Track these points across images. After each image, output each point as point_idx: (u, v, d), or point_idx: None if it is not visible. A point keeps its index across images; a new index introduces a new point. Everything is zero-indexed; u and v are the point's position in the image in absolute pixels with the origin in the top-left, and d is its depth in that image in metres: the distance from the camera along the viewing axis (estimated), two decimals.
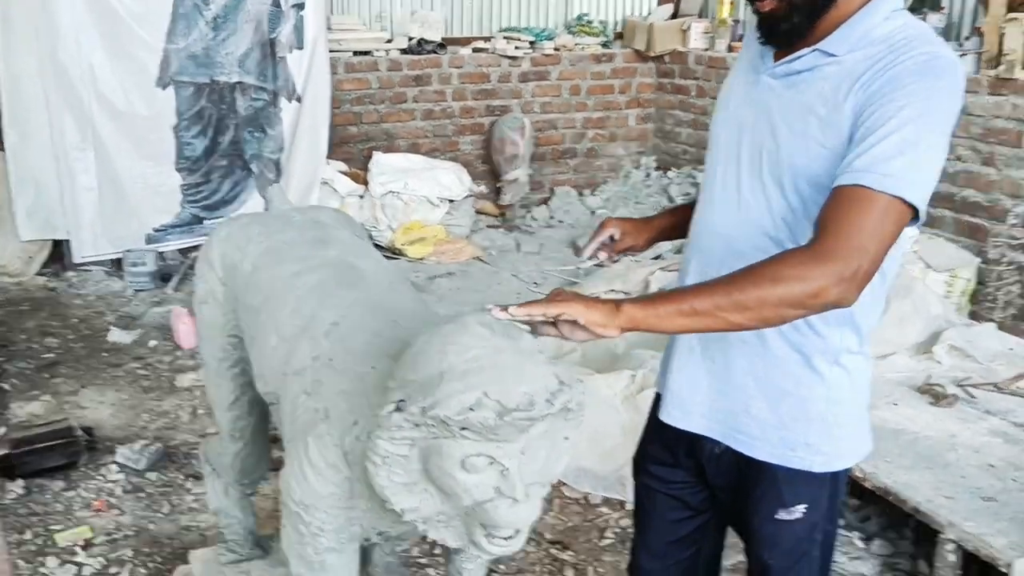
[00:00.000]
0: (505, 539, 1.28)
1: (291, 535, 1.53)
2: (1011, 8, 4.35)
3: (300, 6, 5.58)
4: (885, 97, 1.27)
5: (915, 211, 1.29)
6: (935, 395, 3.28)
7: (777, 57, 1.43)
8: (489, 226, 6.36)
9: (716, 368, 1.54)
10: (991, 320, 4.22)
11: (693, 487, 1.71)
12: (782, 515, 1.57)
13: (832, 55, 1.35)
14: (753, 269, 1.28)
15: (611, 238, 1.69)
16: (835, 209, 1.27)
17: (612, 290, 5.02)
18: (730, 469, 1.60)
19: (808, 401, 1.49)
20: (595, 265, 1.62)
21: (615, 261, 1.67)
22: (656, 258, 5.11)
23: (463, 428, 1.19)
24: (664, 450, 1.70)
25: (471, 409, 1.17)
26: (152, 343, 4.42)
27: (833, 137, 1.33)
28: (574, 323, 1.25)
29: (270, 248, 1.85)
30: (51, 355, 4.26)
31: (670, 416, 1.62)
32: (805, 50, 1.38)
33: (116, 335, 4.45)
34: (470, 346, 1.22)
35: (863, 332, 1.49)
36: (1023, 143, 4.35)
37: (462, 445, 1.21)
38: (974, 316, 4.39)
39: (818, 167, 1.34)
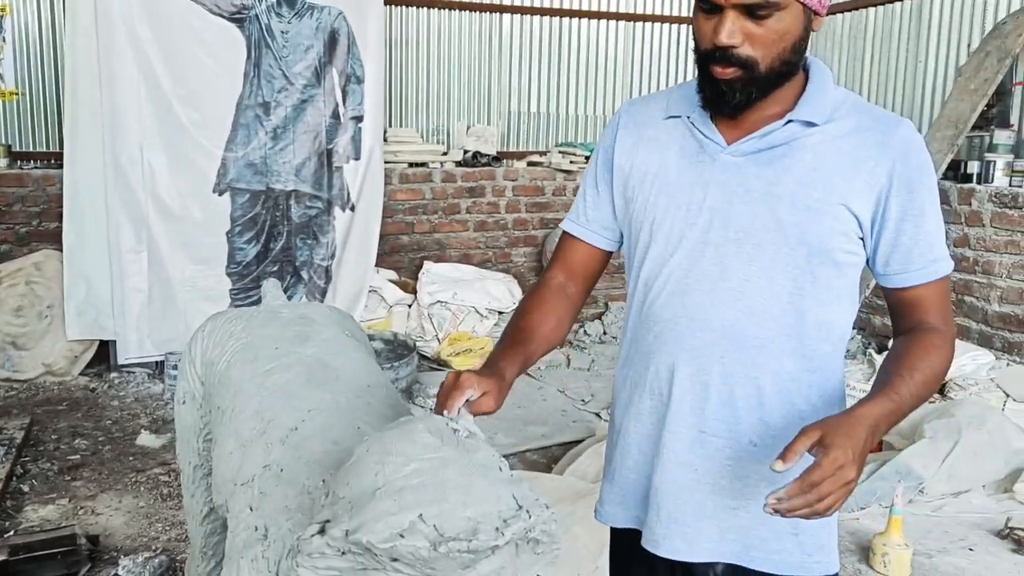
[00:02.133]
0: None
1: None
2: None
3: (359, 118, 5.67)
4: (913, 183, 1.32)
5: None
6: (1017, 540, 2.90)
7: (730, 135, 1.36)
8: None
9: (723, 483, 1.37)
10: None
11: None
12: None
13: (813, 124, 1.33)
14: (932, 366, 1.31)
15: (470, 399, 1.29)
16: (936, 301, 1.36)
17: None
18: None
19: None
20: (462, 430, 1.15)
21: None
22: None
23: (393, 559, 0.97)
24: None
25: (401, 535, 0.96)
26: None
27: (840, 208, 1.31)
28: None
29: (248, 344, 1.70)
30: (77, 457, 4.15)
31: (671, 549, 1.40)
32: (776, 124, 1.34)
33: (145, 439, 4.34)
34: (412, 457, 1.02)
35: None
36: None
37: None
38: None
39: (830, 241, 1.32)
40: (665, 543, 1.41)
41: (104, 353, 5.33)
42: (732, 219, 1.34)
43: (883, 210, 1.31)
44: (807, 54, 1.34)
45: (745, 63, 1.27)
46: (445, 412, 1.21)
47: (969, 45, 5.12)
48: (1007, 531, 2.95)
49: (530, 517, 1.01)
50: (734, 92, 1.29)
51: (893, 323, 1.41)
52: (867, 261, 1.37)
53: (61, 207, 5.15)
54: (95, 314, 5.23)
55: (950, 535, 2.99)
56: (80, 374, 5.25)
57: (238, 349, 1.70)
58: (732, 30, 1.25)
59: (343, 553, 1.01)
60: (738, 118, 1.35)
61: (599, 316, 6.50)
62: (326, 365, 1.58)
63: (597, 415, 4.77)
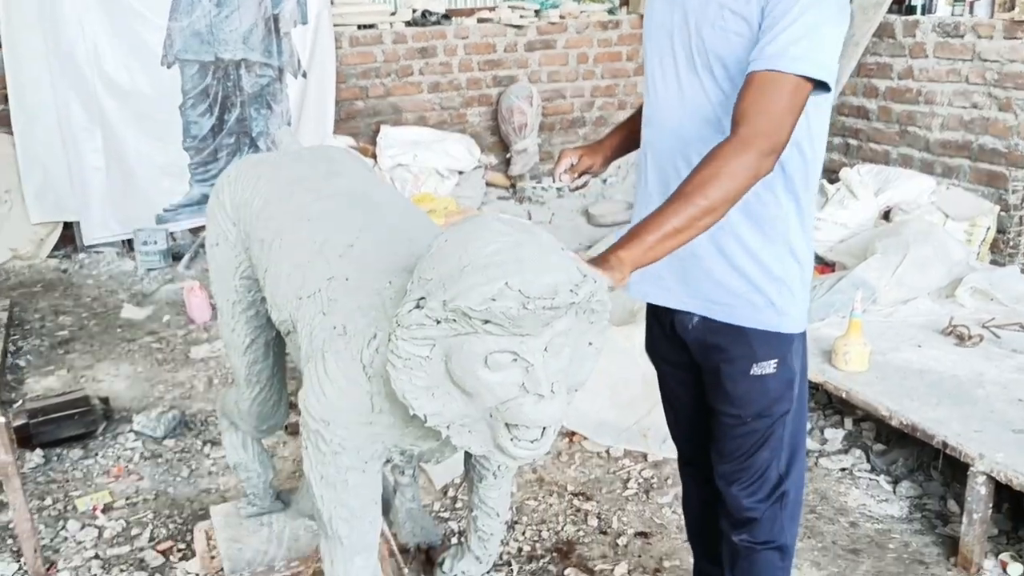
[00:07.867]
0: (531, 442, 1.25)
1: (312, 455, 1.50)
2: None
3: None
4: None
5: (824, 85, 1.46)
6: (960, 336, 3.23)
7: None
8: (500, 197, 6.31)
9: None
10: (1013, 265, 4.16)
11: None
12: (756, 370, 1.68)
13: None
14: (702, 176, 1.40)
15: (571, 164, 1.88)
16: (751, 95, 1.43)
17: None
18: (704, 338, 1.71)
19: (766, 264, 1.62)
20: (566, 188, 1.87)
21: (582, 184, 1.88)
22: None
23: (485, 321, 1.15)
24: (661, 331, 1.84)
25: (493, 299, 1.13)
26: (165, 318, 4.41)
27: (744, 26, 1.50)
28: None
29: (281, 182, 1.82)
30: (65, 332, 4.25)
31: (645, 293, 1.75)
32: None
33: (129, 311, 4.44)
34: (490, 240, 1.18)
35: (804, 206, 1.64)
36: None
37: (485, 341, 1.17)
38: (995, 264, 4.33)
39: (739, 53, 1.50)
40: (643, 289, 1.73)
41: (69, 235, 5.33)
42: (681, 38, 1.61)
43: (760, 16, 1.48)
44: None
45: None
46: (557, 179, 1.80)
47: None
48: (950, 328, 3.27)
49: (595, 283, 1.19)
50: None
51: None
52: None
53: (6, 89, 5.02)
54: (55, 196, 5.20)
55: (901, 335, 3.30)
56: (48, 256, 5.26)
57: (272, 187, 1.82)
58: None
59: (439, 322, 1.18)
60: None
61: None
62: (364, 193, 1.71)
63: None
